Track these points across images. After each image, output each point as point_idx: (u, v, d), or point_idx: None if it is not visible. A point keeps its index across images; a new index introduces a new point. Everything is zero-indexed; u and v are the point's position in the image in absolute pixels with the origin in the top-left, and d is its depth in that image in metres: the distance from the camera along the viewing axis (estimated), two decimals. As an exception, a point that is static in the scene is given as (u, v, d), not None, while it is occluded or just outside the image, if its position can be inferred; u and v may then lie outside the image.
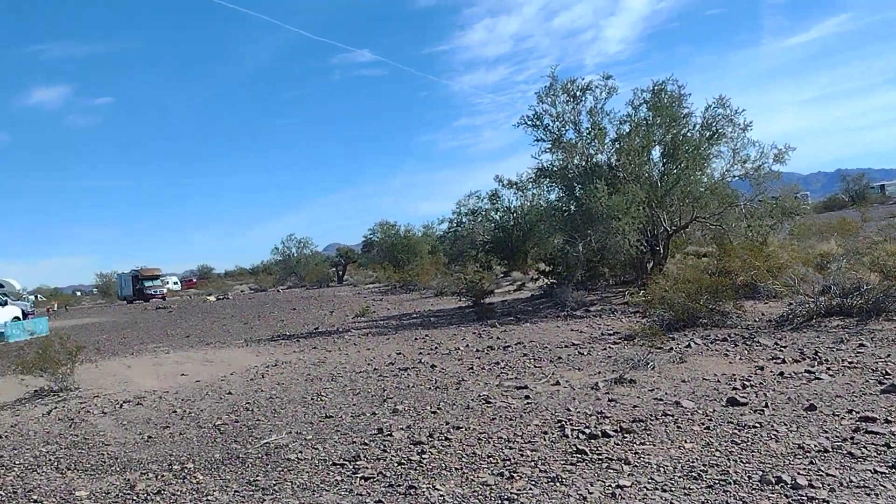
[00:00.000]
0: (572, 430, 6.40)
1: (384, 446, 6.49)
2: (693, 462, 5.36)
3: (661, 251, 19.53)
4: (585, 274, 19.43)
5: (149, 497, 5.72)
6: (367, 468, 5.87)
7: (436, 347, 13.02)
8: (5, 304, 28.37)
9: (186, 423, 8.30)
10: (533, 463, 5.60)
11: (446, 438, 6.53)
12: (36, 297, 57.72)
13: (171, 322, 27.29)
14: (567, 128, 19.69)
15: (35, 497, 6.02)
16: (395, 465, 5.91)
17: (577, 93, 19.54)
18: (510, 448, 6.05)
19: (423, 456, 6.04)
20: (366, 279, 48.67)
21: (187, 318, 28.60)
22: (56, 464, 7.07)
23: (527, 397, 8.01)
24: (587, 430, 6.33)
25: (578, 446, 5.88)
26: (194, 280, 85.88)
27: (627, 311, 15.77)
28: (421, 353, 12.52)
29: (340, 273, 53.98)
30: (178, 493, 5.75)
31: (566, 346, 11.61)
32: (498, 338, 13.57)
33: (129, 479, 6.26)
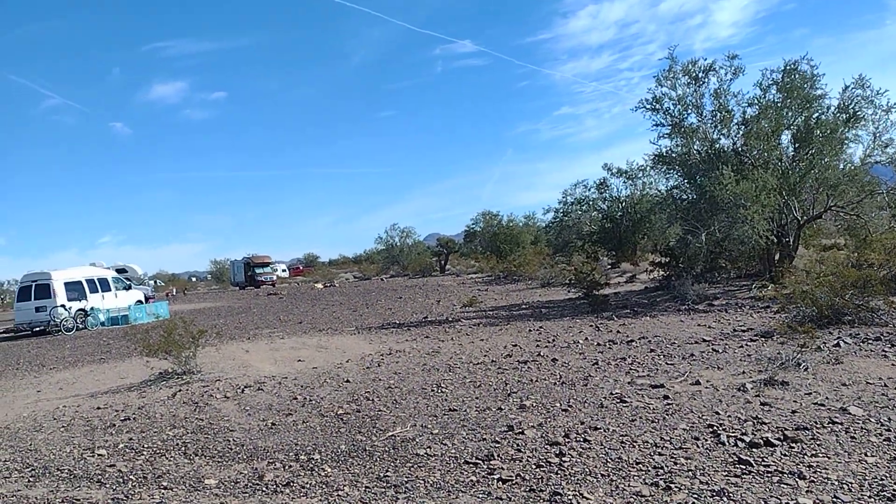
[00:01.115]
0: (728, 436, 5.76)
1: (517, 445, 6.06)
2: (882, 479, 4.67)
3: (791, 242, 18.20)
4: (706, 266, 18.34)
5: (278, 489, 5.52)
6: (502, 469, 5.46)
7: (552, 340, 12.51)
8: (129, 288, 29.69)
9: (308, 411, 8.16)
10: (690, 473, 5.03)
11: (585, 440, 6.04)
12: (155, 282, 60.64)
13: (283, 308, 27.92)
14: (688, 111, 18.62)
15: (165, 483, 5.93)
16: (533, 467, 5.47)
17: (700, 74, 18.45)
18: (660, 454, 5.49)
19: (563, 459, 5.57)
20: (468, 269, 48.57)
21: (297, 305, 29.20)
22: (183, 448, 7.02)
23: (665, 397, 7.39)
24: (745, 438, 5.68)
25: (740, 456, 5.25)
26: (301, 268, 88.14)
27: (756, 305, 14.73)
28: (538, 345, 12.04)
29: (442, 263, 54.09)
30: (308, 486, 5.53)
31: (696, 342, 10.84)
32: (618, 331, 12.91)
33: (256, 468, 6.11)
